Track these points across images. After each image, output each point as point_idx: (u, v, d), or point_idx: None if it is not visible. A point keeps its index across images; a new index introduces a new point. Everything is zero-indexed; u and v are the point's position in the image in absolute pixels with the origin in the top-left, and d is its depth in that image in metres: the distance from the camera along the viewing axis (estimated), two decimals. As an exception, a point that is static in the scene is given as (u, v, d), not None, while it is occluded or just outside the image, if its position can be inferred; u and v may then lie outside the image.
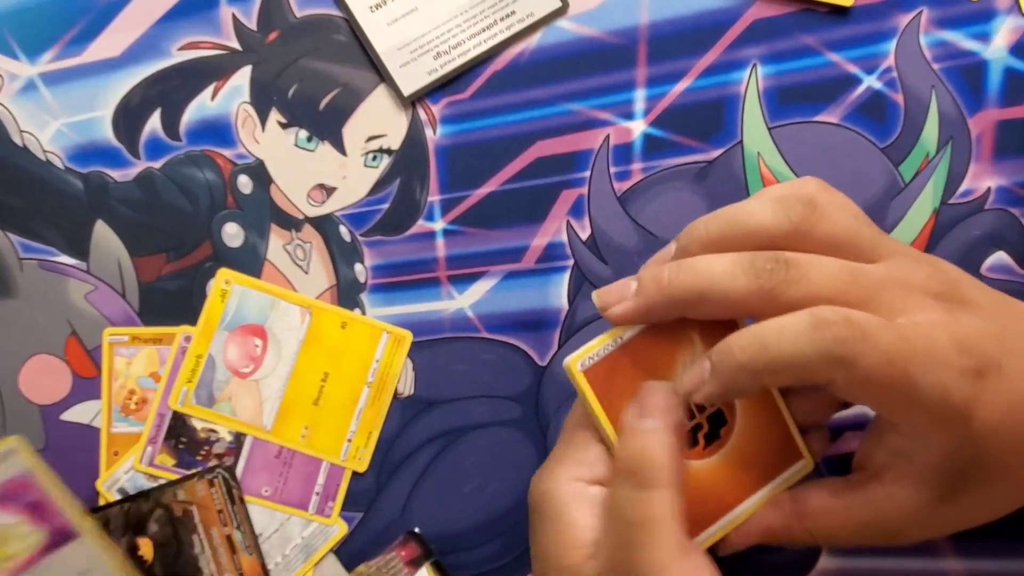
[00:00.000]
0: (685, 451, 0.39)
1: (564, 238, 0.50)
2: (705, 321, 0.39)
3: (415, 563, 0.49)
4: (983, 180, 0.48)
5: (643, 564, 0.35)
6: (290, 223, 0.50)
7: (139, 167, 0.50)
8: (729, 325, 0.38)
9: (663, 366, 0.39)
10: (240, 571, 0.49)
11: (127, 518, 0.49)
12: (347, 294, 0.50)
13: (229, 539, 0.49)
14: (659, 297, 0.37)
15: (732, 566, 0.49)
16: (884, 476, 0.38)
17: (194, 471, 0.49)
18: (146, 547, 0.49)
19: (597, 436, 0.39)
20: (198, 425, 0.50)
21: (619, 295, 0.38)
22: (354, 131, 0.50)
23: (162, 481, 0.49)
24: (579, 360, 0.38)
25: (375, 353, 0.50)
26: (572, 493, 0.38)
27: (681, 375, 0.38)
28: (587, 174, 0.50)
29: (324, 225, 0.50)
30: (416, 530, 0.49)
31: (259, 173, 0.50)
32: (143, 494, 0.49)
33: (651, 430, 0.37)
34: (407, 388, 0.50)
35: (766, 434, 0.41)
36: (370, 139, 0.50)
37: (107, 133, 0.50)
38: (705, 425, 0.40)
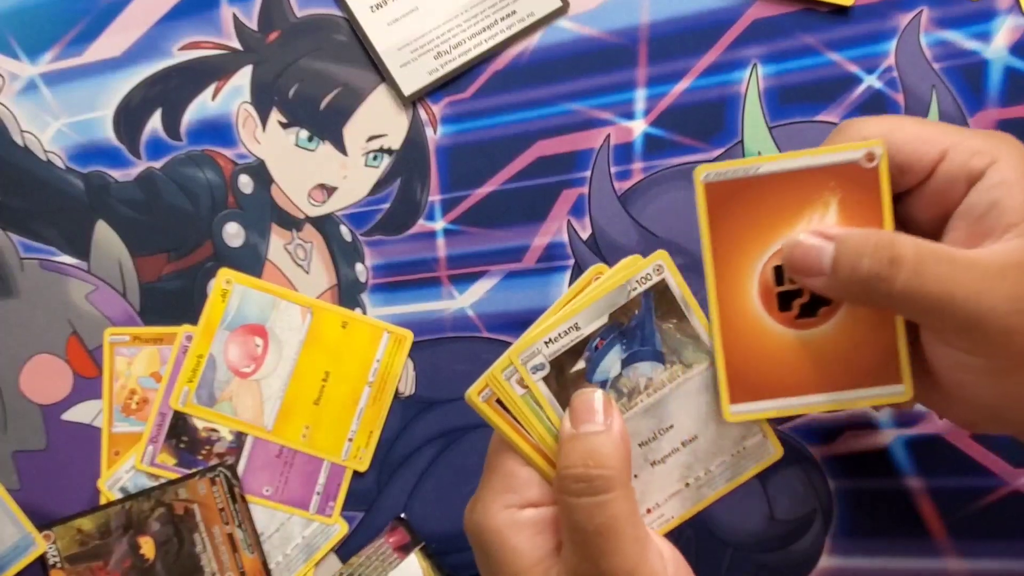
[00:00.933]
0: (773, 310, 0.37)
1: (565, 238, 0.50)
2: (850, 187, 0.36)
3: (404, 549, 0.49)
4: (984, 179, 0.48)
5: (612, 571, 0.35)
6: (291, 223, 0.50)
7: (140, 167, 0.50)
8: (875, 207, 0.36)
9: (789, 210, 0.36)
10: (242, 569, 0.49)
11: (128, 517, 0.49)
12: (348, 294, 0.50)
13: (231, 537, 0.49)
14: None
15: (732, 566, 0.49)
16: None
17: (195, 470, 0.49)
18: (148, 546, 0.49)
19: (521, 460, 0.38)
20: (199, 425, 0.50)
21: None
22: (355, 131, 0.50)
23: (163, 480, 0.50)
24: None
25: (376, 353, 0.50)
26: (507, 522, 0.37)
27: (800, 230, 0.36)
28: (588, 174, 0.50)
29: (325, 225, 0.50)
30: (403, 515, 0.49)
31: (260, 173, 0.51)
32: (144, 493, 0.49)
33: (592, 434, 0.36)
34: (408, 388, 0.50)
35: (870, 338, 0.37)
36: (371, 139, 0.50)
37: (108, 133, 0.50)
38: (805, 295, 0.37)
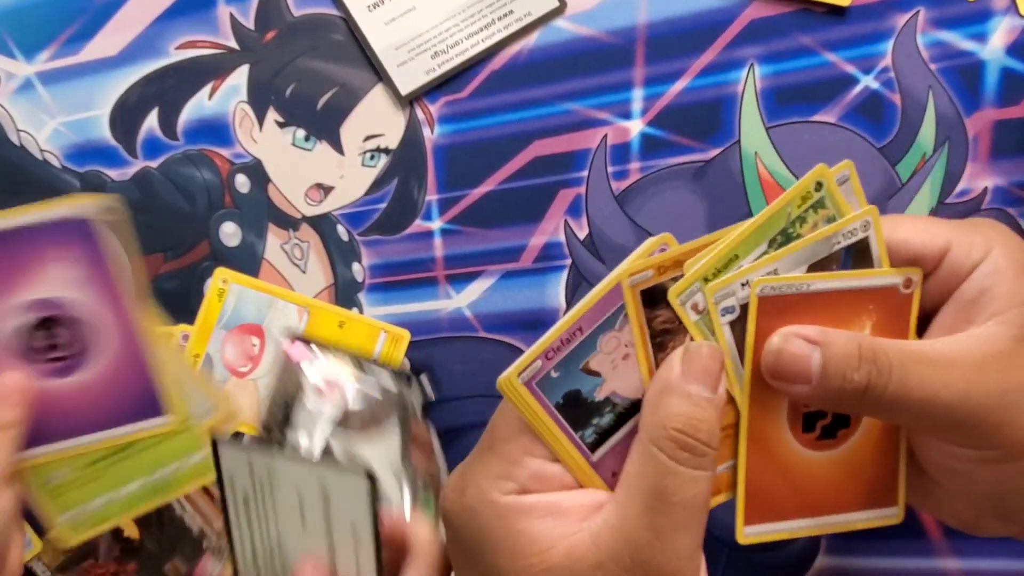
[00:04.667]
0: (797, 431, 0.37)
1: (562, 237, 0.50)
2: (884, 309, 0.36)
3: None
4: (980, 180, 0.49)
5: (677, 550, 0.33)
6: (288, 222, 0.50)
7: (136, 166, 0.50)
8: (903, 328, 0.36)
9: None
10: None
11: None
12: (345, 293, 0.50)
13: (206, 490, 0.49)
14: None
15: (729, 565, 0.49)
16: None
17: None
18: (129, 528, 0.49)
19: (533, 451, 0.35)
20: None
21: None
22: (352, 130, 0.50)
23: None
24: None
25: (373, 352, 0.50)
26: (511, 505, 0.34)
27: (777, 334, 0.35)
28: (585, 173, 0.50)
29: (322, 224, 0.50)
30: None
31: (257, 172, 0.50)
32: None
33: (710, 401, 0.34)
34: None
35: (874, 461, 0.38)
36: (368, 138, 0.50)
37: (104, 132, 0.50)
38: (828, 417, 0.37)
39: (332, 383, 0.47)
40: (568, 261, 0.50)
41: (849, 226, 0.36)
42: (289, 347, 0.47)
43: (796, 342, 0.34)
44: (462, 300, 0.50)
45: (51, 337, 0.40)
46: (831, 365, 0.34)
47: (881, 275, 0.37)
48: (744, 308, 0.35)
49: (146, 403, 0.40)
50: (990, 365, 0.34)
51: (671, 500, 0.33)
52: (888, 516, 0.39)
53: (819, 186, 0.36)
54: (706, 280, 0.35)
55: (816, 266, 0.36)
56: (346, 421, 0.48)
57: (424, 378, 0.50)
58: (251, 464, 0.40)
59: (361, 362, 0.48)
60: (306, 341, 0.48)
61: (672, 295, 0.35)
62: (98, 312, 0.40)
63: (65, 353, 0.40)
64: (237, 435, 0.48)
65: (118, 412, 0.40)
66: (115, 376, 0.40)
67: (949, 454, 0.36)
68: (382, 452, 0.47)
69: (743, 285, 0.35)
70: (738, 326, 0.35)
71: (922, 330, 0.38)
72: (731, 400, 0.36)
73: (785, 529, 0.37)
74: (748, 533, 0.37)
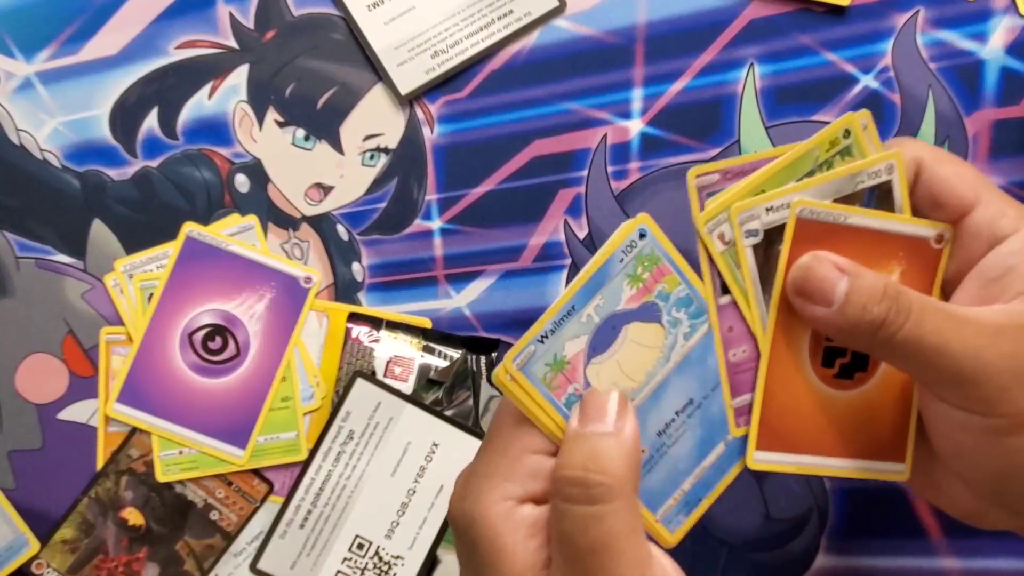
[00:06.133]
0: (816, 363, 0.37)
1: (561, 237, 0.50)
2: (913, 260, 0.37)
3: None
4: (980, 179, 0.49)
5: None
6: (287, 222, 0.50)
7: (136, 166, 0.50)
8: (928, 282, 0.37)
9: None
10: (228, 480, 0.49)
11: (100, 502, 0.49)
12: (345, 293, 0.50)
13: None
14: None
15: (728, 565, 0.49)
16: None
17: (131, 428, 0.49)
18: (133, 516, 0.49)
19: (532, 446, 0.35)
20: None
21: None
22: (351, 130, 0.50)
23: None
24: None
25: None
26: (502, 516, 0.33)
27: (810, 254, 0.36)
28: (584, 173, 0.50)
29: (321, 224, 0.50)
30: None
31: (256, 172, 0.50)
32: (100, 474, 0.49)
33: (599, 435, 0.33)
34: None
35: (887, 413, 0.38)
36: (367, 138, 0.50)
37: (104, 132, 0.50)
38: (848, 355, 0.37)
39: (400, 359, 0.48)
40: (568, 261, 0.50)
41: (874, 167, 0.36)
42: (353, 328, 0.49)
43: (827, 264, 0.35)
44: (462, 300, 0.50)
45: (218, 343, 0.49)
46: (854, 294, 0.34)
47: (915, 224, 0.37)
48: (767, 234, 0.35)
49: (238, 430, 0.49)
50: (1007, 332, 0.34)
51: (578, 545, 0.32)
52: (895, 471, 0.39)
53: (847, 133, 0.36)
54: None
55: (840, 202, 0.36)
56: (420, 393, 0.49)
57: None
58: (380, 403, 0.47)
59: (424, 333, 0.50)
60: (366, 320, 0.50)
61: (700, 223, 0.35)
62: (256, 343, 0.49)
63: (220, 359, 0.48)
64: (373, 375, 0.49)
65: (223, 425, 0.49)
66: (236, 395, 0.49)
67: (956, 423, 0.36)
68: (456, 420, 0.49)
69: (768, 210, 0.35)
70: (759, 252, 0.36)
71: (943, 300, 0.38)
72: (750, 335, 0.36)
73: (794, 463, 0.37)
74: (758, 459, 0.37)
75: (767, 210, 0.35)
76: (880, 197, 0.37)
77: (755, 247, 0.36)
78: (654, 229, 0.36)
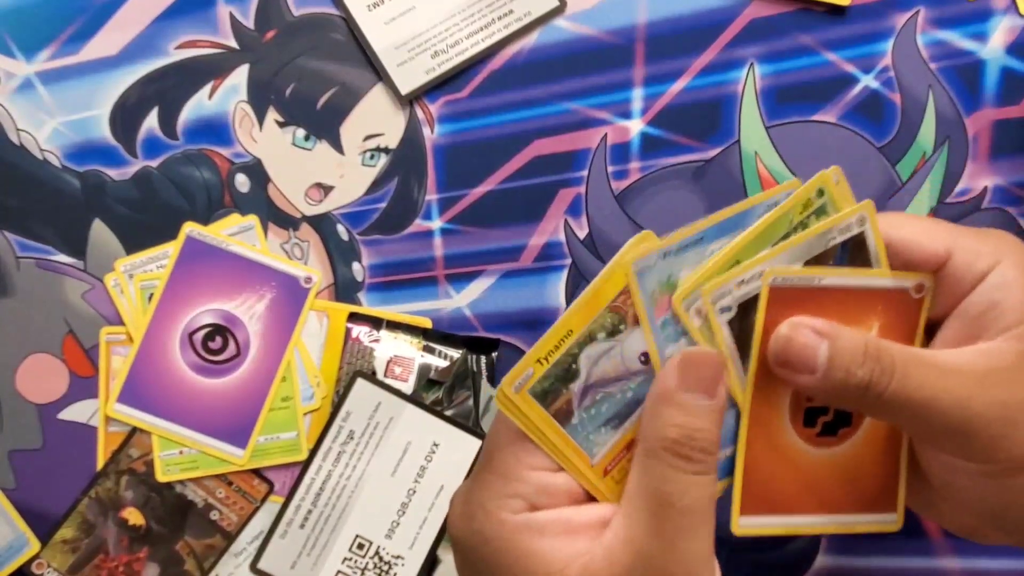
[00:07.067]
0: (798, 424, 0.36)
1: (562, 237, 0.50)
2: (893, 312, 0.36)
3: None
4: (980, 179, 0.49)
5: (688, 554, 0.32)
6: (288, 222, 0.50)
7: (136, 166, 0.50)
8: (910, 333, 0.36)
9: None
10: (228, 480, 0.49)
11: (101, 502, 0.49)
12: (345, 293, 0.50)
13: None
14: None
15: (729, 564, 0.49)
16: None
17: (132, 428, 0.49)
18: (134, 516, 0.49)
19: (534, 464, 0.35)
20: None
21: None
22: (352, 130, 0.50)
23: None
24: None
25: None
26: (520, 525, 0.34)
27: (787, 323, 0.35)
28: (585, 173, 0.50)
29: (322, 224, 0.50)
30: None
31: (257, 172, 0.50)
32: (100, 474, 0.49)
33: (707, 408, 0.33)
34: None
35: (875, 465, 0.38)
36: (368, 138, 0.50)
37: (104, 132, 0.50)
38: (830, 414, 0.37)
39: (400, 359, 0.48)
40: (568, 261, 0.50)
41: (844, 222, 0.36)
42: (353, 328, 0.49)
43: (805, 332, 0.34)
44: (462, 300, 0.50)
45: (218, 343, 0.48)
46: (837, 358, 0.34)
47: (892, 277, 0.36)
48: (741, 307, 0.35)
49: (238, 430, 0.49)
50: (994, 378, 0.34)
51: (675, 506, 0.32)
52: (886, 522, 0.38)
53: (820, 193, 0.36)
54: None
55: (812, 262, 0.36)
56: (420, 393, 0.49)
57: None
58: (380, 403, 0.47)
59: (425, 333, 0.50)
60: (367, 320, 0.50)
61: (676, 301, 0.35)
62: (256, 343, 0.49)
63: (220, 359, 0.48)
64: (373, 376, 0.49)
65: (223, 425, 0.49)
66: (236, 395, 0.49)
67: (950, 467, 0.36)
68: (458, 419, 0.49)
69: (739, 284, 0.35)
70: (736, 324, 0.35)
71: (926, 343, 0.37)
72: (732, 402, 0.36)
73: (781, 524, 0.37)
74: (743, 524, 0.37)
75: (738, 284, 0.35)
76: (854, 250, 0.36)
77: (730, 322, 0.35)
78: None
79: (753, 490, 0.36)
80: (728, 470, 0.37)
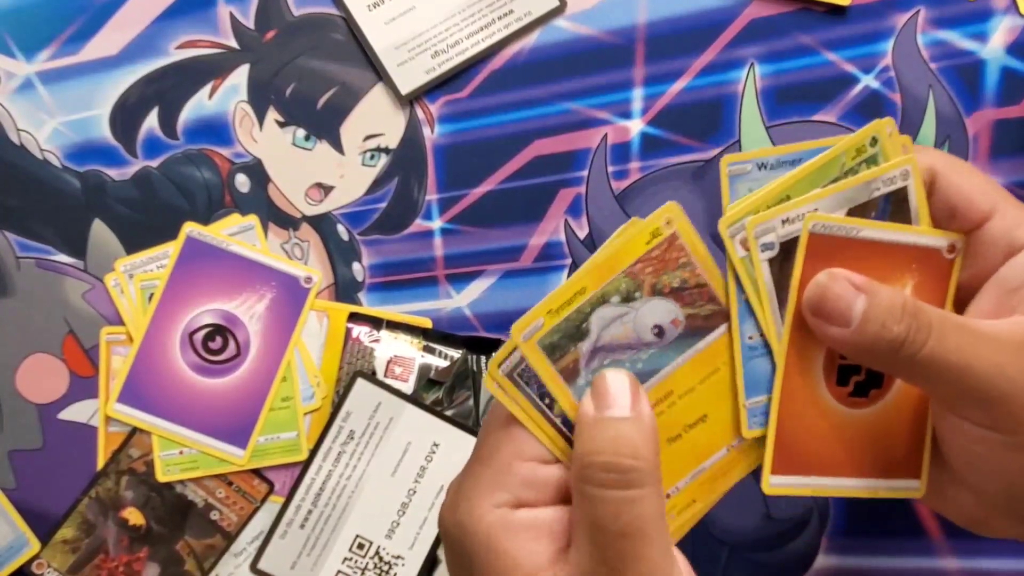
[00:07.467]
0: (831, 382, 0.36)
1: (562, 237, 0.50)
2: (926, 271, 0.36)
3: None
4: (980, 179, 0.49)
5: None
6: (288, 222, 0.50)
7: (136, 166, 0.50)
8: (941, 294, 0.36)
9: (875, 279, 0.35)
10: (228, 480, 0.49)
11: (101, 502, 0.49)
12: (345, 293, 0.50)
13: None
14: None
15: (729, 565, 0.49)
16: None
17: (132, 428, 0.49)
18: (134, 515, 0.49)
19: (521, 453, 0.34)
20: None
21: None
22: (352, 130, 0.50)
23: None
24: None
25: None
26: (499, 523, 0.33)
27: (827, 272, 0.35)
28: (585, 173, 0.50)
29: (322, 224, 0.50)
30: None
31: (257, 172, 0.50)
32: (100, 474, 0.49)
33: (620, 419, 0.33)
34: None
35: (902, 430, 0.38)
36: (368, 138, 0.50)
37: (104, 132, 0.50)
38: (863, 373, 0.37)
39: (401, 359, 0.48)
40: (568, 261, 0.50)
41: (888, 173, 0.36)
42: (353, 328, 0.49)
43: (842, 283, 0.34)
44: (462, 300, 0.50)
45: (218, 343, 0.49)
46: (873, 312, 0.33)
47: (927, 234, 0.36)
48: (783, 246, 0.35)
49: (239, 430, 0.49)
50: None
51: (609, 530, 0.32)
52: (910, 488, 0.38)
53: (874, 141, 0.36)
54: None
55: (855, 211, 0.36)
56: (420, 393, 0.49)
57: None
58: (380, 403, 0.47)
59: (425, 333, 0.50)
60: (367, 320, 0.50)
61: (722, 226, 0.35)
62: (256, 344, 0.49)
63: (220, 359, 0.49)
64: (373, 376, 0.49)
65: (224, 425, 0.49)
66: (236, 395, 0.49)
67: (974, 437, 0.35)
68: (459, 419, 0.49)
69: (783, 222, 0.35)
70: (775, 265, 0.35)
71: (958, 311, 0.37)
72: (767, 347, 0.36)
73: (810, 485, 0.37)
74: (774, 483, 0.36)
75: (783, 222, 0.35)
76: (896, 204, 0.36)
77: (771, 260, 0.35)
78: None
79: (785, 447, 0.36)
80: (763, 422, 0.36)
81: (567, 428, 0.35)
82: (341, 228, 0.50)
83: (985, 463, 0.35)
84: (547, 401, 0.35)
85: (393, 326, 0.50)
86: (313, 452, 0.48)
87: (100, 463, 0.49)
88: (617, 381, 0.34)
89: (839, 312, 0.34)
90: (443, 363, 0.49)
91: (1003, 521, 0.37)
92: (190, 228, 0.49)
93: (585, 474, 0.32)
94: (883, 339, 0.33)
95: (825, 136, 0.49)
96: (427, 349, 0.49)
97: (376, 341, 0.49)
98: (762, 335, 0.36)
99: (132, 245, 0.50)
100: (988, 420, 0.34)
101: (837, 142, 0.36)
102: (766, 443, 0.36)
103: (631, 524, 0.32)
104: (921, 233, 0.36)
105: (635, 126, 0.50)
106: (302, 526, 0.48)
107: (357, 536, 0.48)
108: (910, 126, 0.49)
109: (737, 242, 0.35)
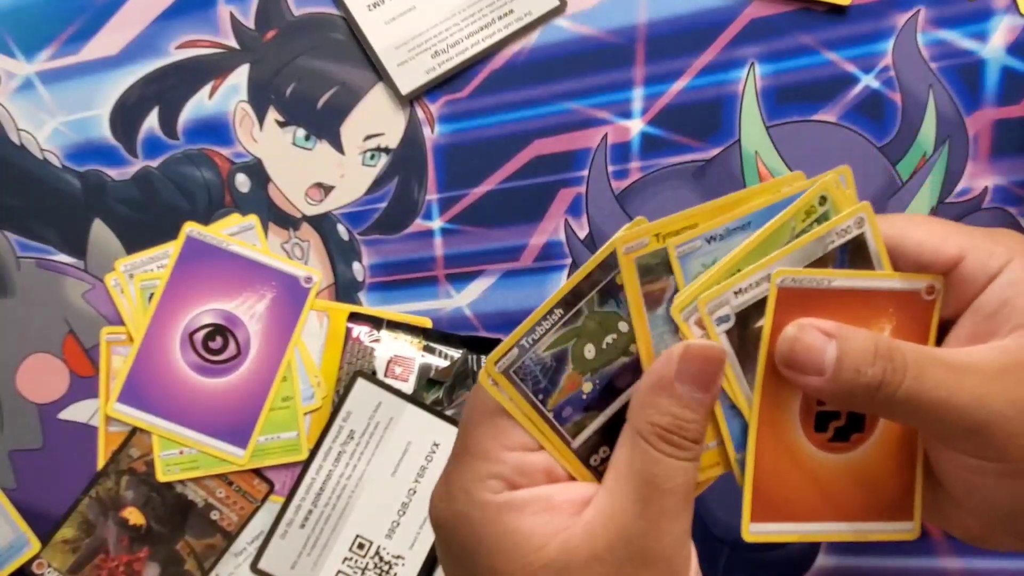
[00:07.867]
0: (808, 429, 0.36)
1: (562, 237, 0.50)
2: (904, 314, 0.36)
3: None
4: (980, 179, 0.49)
5: (669, 536, 0.32)
6: (288, 222, 0.50)
7: (137, 166, 0.50)
8: (922, 335, 0.36)
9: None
10: (229, 480, 0.49)
11: (101, 502, 0.49)
12: (345, 293, 0.50)
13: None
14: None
15: (729, 564, 0.49)
16: None
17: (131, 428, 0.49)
18: (134, 515, 0.49)
19: (510, 443, 0.34)
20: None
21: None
22: (352, 130, 0.50)
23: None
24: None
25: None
26: (501, 504, 0.33)
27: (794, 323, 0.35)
28: (585, 173, 0.50)
29: (322, 224, 0.50)
30: None
31: (257, 172, 0.50)
32: (100, 474, 0.49)
33: (700, 401, 0.33)
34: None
35: (890, 472, 0.37)
36: (368, 138, 0.50)
37: (104, 132, 0.50)
38: (842, 418, 0.36)
39: (401, 359, 0.48)
40: (568, 260, 0.50)
41: (842, 224, 0.35)
42: (354, 328, 0.49)
43: (812, 332, 0.34)
44: (462, 299, 0.50)
45: (218, 343, 0.49)
46: (846, 358, 0.33)
47: (903, 279, 0.36)
48: (739, 316, 0.35)
49: (239, 430, 0.49)
50: (1009, 374, 0.33)
51: (661, 488, 0.33)
52: (903, 531, 0.38)
53: (823, 200, 0.36)
54: None
55: (813, 267, 0.35)
56: (420, 393, 0.49)
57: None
58: (380, 403, 0.47)
59: (425, 333, 0.50)
60: (367, 320, 0.50)
61: (675, 311, 0.34)
62: (257, 343, 0.49)
63: (220, 359, 0.49)
64: (374, 375, 0.49)
65: (224, 425, 0.49)
66: (237, 395, 0.49)
67: (965, 467, 0.35)
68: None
69: (736, 293, 0.35)
70: (735, 334, 0.35)
71: (938, 342, 0.37)
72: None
73: (792, 531, 0.37)
74: (754, 531, 0.36)
75: (736, 293, 0.34)
76: (853, 252, 0.36)
77: (728, 332, 0.35)
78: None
79: (764, 497, 0.36)
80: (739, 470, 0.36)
81: (559, 423, 0.35)
82: (341, 228, 0.50)
83: (981, 490, 0.35)
84: (541, 397, 0.35)
85: (393, 326, 0.50)
86: (313, 452, 0.48)
87: (100, 463, 0.50)
88: (707, 356, 0.34)
89: (811, 362, 0.34)
90: (443, 363, 0.49)
91: (1006, 538, 0.37)
92: (190, 228, 0.49)
93: (651, 436, 0.33)
94: (859, 383, 0.33)
95: (825, 136, 0.49)
96: (427, 349, 0.49)
97: (376, 341, 0.49)
98: (731, 402, 0.36)
99: (132, 245, 0.50)
100: (976, 450, 0.34)
101: (780, 191, 0.35)
102: (744, 487, 0.36)
103: (682, 487, 0.33)
104: (897, 278, 0.36)
105: (635, 126, 0.50)
106: (302, 526, 0.48)
107: (357, 536, 0.48)
108: (910, 126, 0.49)
109: (692, 324, 0.35)
